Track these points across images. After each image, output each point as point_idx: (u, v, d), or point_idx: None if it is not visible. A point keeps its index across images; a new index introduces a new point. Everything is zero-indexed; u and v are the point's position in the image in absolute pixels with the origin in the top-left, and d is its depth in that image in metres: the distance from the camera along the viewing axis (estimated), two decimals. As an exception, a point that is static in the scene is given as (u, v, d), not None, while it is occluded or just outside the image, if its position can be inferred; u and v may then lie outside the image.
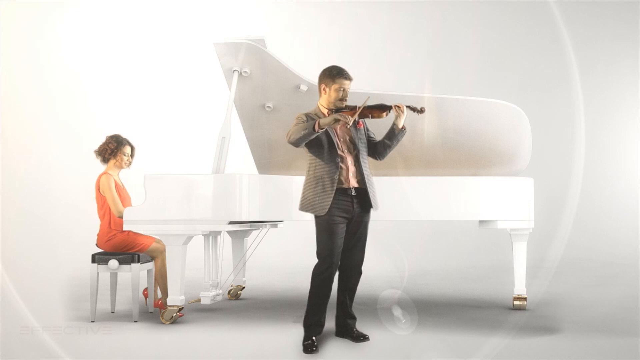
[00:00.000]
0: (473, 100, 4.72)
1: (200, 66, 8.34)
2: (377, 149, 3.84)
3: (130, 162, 4.72)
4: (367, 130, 3.86)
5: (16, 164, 8.55)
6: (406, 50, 9.43)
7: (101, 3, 9.15)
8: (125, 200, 4.62)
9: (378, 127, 4.02)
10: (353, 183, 3.67)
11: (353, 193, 3.66)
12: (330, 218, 3.61)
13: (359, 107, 3.61)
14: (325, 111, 3.69)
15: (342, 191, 3.64)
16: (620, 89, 9.52)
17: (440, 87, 8.29)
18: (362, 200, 3.71)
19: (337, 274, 3.79)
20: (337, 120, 3.52)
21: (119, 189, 4.61)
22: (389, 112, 3.71)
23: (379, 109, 3.68)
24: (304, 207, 3.71)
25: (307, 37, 9.31)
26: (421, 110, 3.74)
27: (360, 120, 3.70)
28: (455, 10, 9.51)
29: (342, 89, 3.65)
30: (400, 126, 3.75)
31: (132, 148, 4.73)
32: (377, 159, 3.90)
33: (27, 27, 8.86)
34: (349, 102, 3.74)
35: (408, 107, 3.73)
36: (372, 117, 3.69)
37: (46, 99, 8.88)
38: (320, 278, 3.65)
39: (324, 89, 3.69)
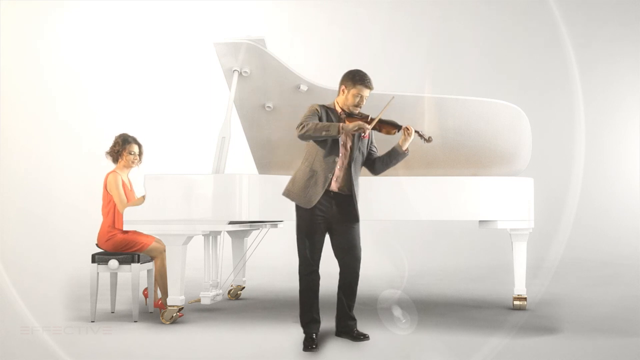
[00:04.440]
0: (473, 100, 4.72)
1: (200, 66, 8.33)
2: (375, 164, 3.86)
3: (138, 160, 4.72)
4: (371, 143, 3.87)
5: (16, 164, 8.53)
6: (406, 50, 9.42)
7: (101, 3, 9.14)
8: (131, 200, 4.62)
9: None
10: (333, 187, 3.69)
11: (332, 194, 3.68)
12: (313, 212, 3.65)
13: (377, 117, 3.63)
14: (339, 109, 3.72)
15: (324, 192, 3.66)
16: (620, 89, 9.50)
17: (440, 87, 8.27)
18: (342, 206, 3.71)
19: (338, 272, 3.80)
20: (359, 129, 3.54)
21: (126, 189, 4.62)
22: (398, 131, 3.72)
23: (391, 126, 3.70)
24: (291, 194, 3.73)
25: (307, 37, 9.30)
26: (428, 140, 3.74)
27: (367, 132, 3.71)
28: (456, 10, 9.50)
29: (359, 96, 3.65)
30: (404, 148, 3.75)
31: (139, 146, 4.73)
32: (372, 173, 3.92)
33: (27, 27, 8.85)
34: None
35: (417, 132, 3.73)
36: (381, 131, 3.71)
37: (46, 99, 8.87)
38: (301, 276, 3.71)
39: (343, 90, 3.70)
